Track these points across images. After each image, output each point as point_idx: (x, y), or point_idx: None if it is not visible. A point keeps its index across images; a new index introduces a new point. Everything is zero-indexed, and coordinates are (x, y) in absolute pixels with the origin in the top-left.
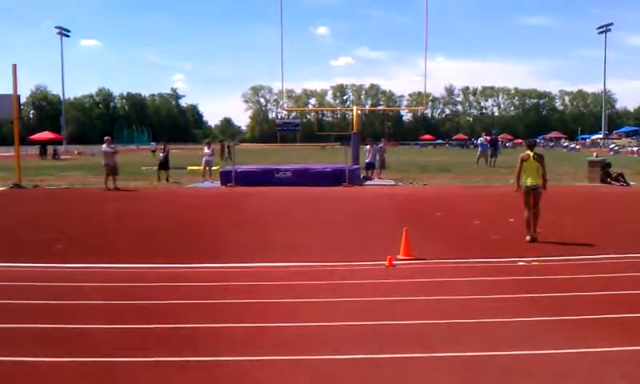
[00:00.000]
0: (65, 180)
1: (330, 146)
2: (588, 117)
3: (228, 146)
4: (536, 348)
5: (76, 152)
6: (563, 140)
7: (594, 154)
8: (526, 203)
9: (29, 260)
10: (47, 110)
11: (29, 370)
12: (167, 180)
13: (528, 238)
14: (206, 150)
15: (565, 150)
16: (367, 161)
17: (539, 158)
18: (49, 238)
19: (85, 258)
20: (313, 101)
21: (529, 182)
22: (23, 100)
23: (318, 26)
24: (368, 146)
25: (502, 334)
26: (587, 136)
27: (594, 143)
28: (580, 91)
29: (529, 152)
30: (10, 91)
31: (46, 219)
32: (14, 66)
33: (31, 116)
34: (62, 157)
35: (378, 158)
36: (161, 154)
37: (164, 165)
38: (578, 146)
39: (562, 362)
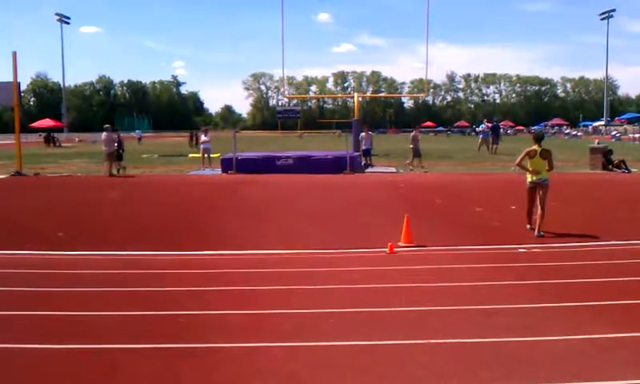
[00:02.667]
0: (65, 168)
1: (308, 133)
2: (590, 104)
3: (197, 135)
4: (538, 334)
5: (77, 139)
6: (565, 127)
7: (596, 140)
8: (529, 197)
9: (29, 247)
10: (48, 98)
11: (28, 357)
12: (118, 171)
13: (529, 226)
14: (204, 138)
15: (566, 137)
16: (363, 148)
17: (547, 154)
18: (49, 226)
19: (85, 246)
20: (314, 88)
21: (534, 177)
22: (24, 87)
23: (318, 12)
24: (363, 133)
25: (503, 320)
26: (589, 123)
27: (596, 130)
28: (582, 78)
29: (535, 147)
30: (10, 79)
31: (46, 207)
32: (14, 54)
33: (32, 103)
34: (62, 144)
35: (412, 146)
36: (115, 145)
37: (119, 156)
38: (579, 133)
39: (564, 349)
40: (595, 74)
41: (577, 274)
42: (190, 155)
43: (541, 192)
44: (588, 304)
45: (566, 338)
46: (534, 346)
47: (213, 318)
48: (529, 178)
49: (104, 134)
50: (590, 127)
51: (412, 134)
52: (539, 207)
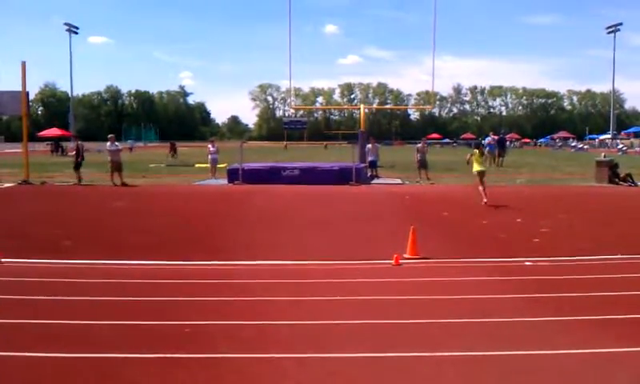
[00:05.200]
0: (71, 176)
1: (294, 144)
2: (596, 117)
3: (175, 146)
4: (543, 348)
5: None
6: (571, 140)
7: (602, 154)
8: (480, 181)
9: (36, 256)
10: (56, 107)
11: (33, 366)
12: (79, 180)
13: (485, 200)
14: (211, 148)
15: (573, 150)
16: (370, 159)
17: (482, 154)
18: (56, 234)
19: (92, 255)
20: (320, 99)
21: (478, 168)
22: (32, 96)
23: (325, 24)
24: (369, 145)
25: (509, 333)
26: (595, 136)
27: (603, 143)
28: (588, 91)
29: (476, 150)
30: (19, 88)
31: (53, 215)
32: (23, 63)
33: (40, 113)
34: (69, 154)
35: (419, 158)
36: (73, 154)
37: (78, 165)
38: (586, 146)
39: (570, 362)
40: (602, 87)
41: (583, 288)
42: (197, 165)
43: (482, 178)
44: (595, 318)
45: (572, 351)
46: (540, 359)
47: (219, 328)
48: (476, 168)
49: (108, 144)
50: (597, 140)
51: (418, 145)
52: (484, 186)
